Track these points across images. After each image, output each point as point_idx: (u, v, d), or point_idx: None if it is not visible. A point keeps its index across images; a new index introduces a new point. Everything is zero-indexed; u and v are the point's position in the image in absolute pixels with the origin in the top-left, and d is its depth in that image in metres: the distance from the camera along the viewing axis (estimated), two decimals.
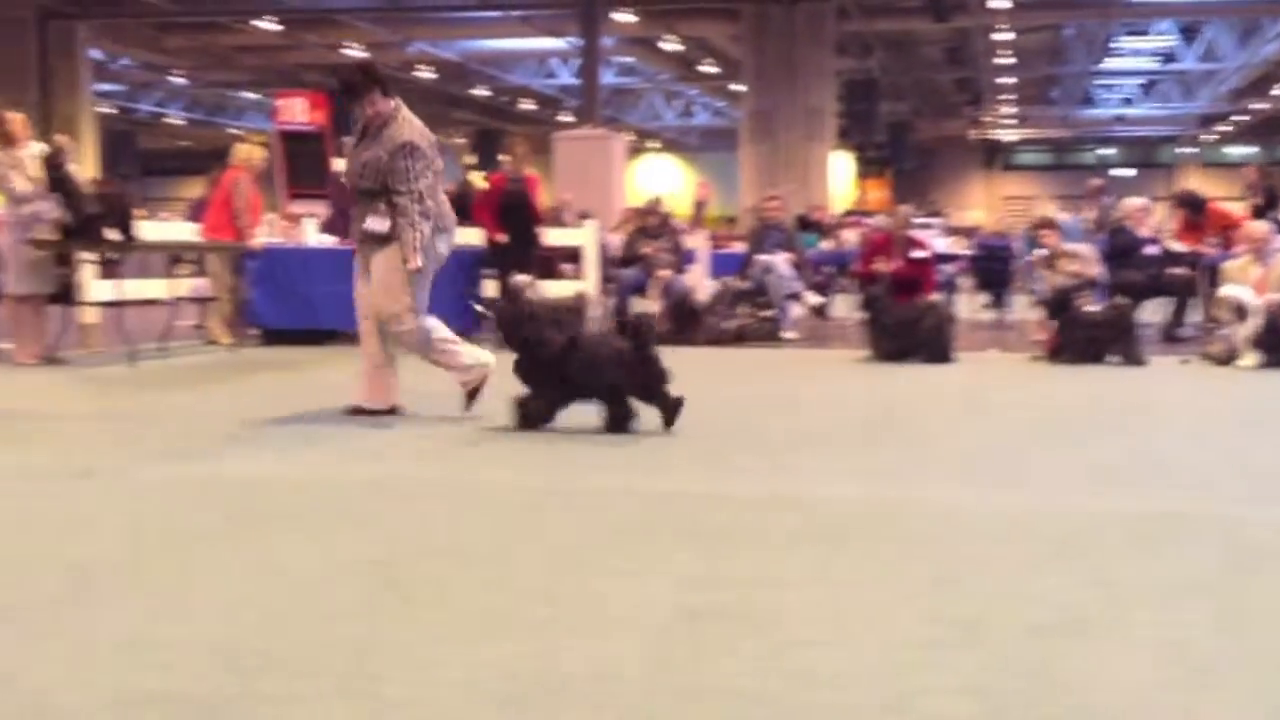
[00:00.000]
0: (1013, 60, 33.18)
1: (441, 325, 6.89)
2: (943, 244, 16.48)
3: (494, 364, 6.78)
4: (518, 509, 4.51)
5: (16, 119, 9.71)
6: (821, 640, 2.99)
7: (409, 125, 6.62)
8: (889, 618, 3.17)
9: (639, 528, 4.20)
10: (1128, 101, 42.24)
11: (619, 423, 6.21)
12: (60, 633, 3.02)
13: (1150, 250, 12.46)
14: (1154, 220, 13.89)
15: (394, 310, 6.65)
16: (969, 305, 14.90)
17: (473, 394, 6.80)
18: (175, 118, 42.91)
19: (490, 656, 2.85)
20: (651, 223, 13.16)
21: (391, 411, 6.77)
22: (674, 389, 6.26)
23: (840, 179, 29.49)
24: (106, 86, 36.16)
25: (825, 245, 17.15)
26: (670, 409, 6.22)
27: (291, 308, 11.55)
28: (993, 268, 14.40)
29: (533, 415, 6.27)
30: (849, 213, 24.98)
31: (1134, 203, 13.51)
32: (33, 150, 9.56)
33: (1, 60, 26.49)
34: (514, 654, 2.86)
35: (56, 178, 9.13)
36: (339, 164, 12.72)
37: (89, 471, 5.17)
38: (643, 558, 3.79)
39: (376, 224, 6.57)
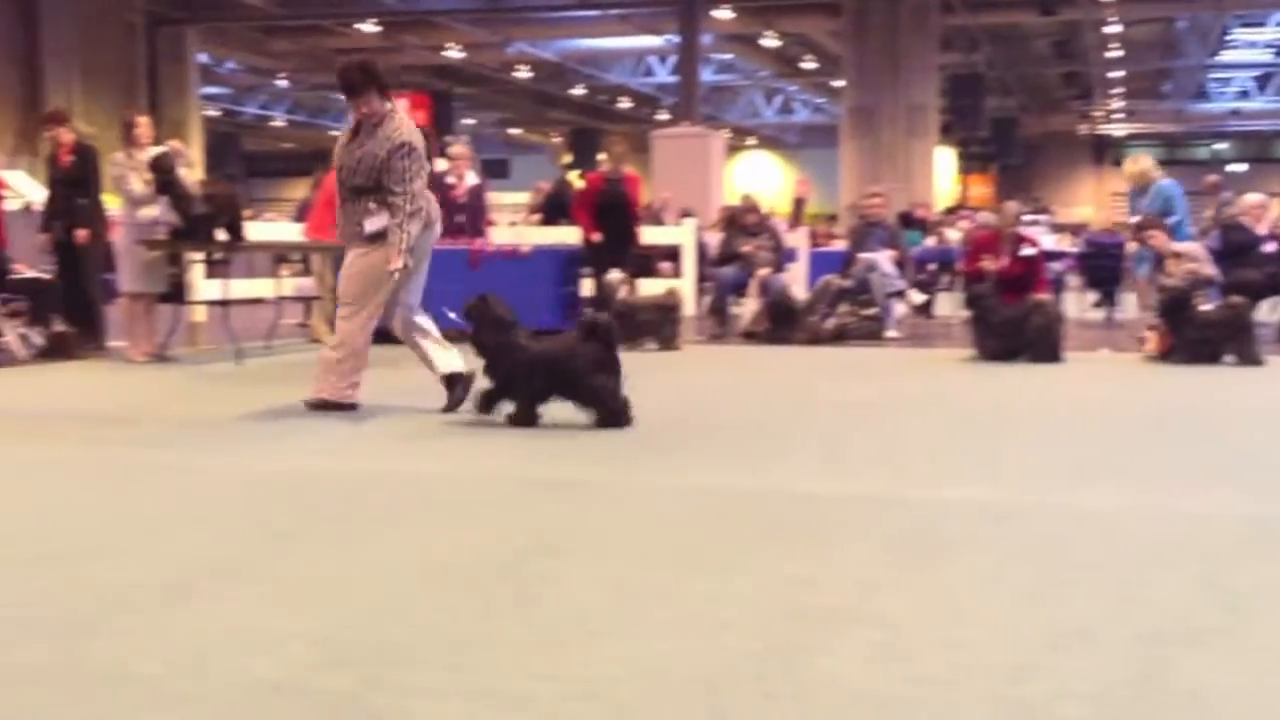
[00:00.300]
0: (1123, 53, 32.53)
1: (432, 325, 6.99)
2: (1050, 241, 16.22)
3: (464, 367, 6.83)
4: (623, 506, 4.51)
5: (143, 123, 9.98)
6: (936, 642, 2.95)
7: (405, 126, 6.74)
8: (1003, 621, 3.12)
9: (746, 527, 4.18)
10: (1243, 95, 41.15)
11: (611, 420, 6.25)
12: (173, 622, 3.08)
13: (1268, 248, 12.13)
14: (1271, 216, 13.52)
15: (355, 303, 6.77)
16: (1077, 304, 14.63)
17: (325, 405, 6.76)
18: (279, 120, 43.71)
19: (602, 656, 2.85)
20: (750, 220, 13.10)
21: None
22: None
23: (943, 175, 29.15)
24: (212, 90, 36.96)
25: (928, 242, 16.95)
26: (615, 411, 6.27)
27: (391, 306, 11.68)
28: (1102, 265, 14.13)
29: (518, 418, 6.34)
30: (956, 208, 24.68)
31: (1251, 199, 13.16)
32: (151, 154, 9.81)
33: (113, 65, 27.19)
34: (626, 654, 2.86)
35: (165, 181, 9.34)
36: (440, 164, 12.85)
37: (197, 465, 5.29)
38: (750, 557, 3.76)
39: (373, 223, 6.71)
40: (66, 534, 4.05)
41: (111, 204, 10.77)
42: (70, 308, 10.34)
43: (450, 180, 12.66)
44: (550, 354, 6.38)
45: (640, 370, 9.64)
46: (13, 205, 12.05)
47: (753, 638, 2.98)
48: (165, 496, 4.73)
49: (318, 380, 6.85)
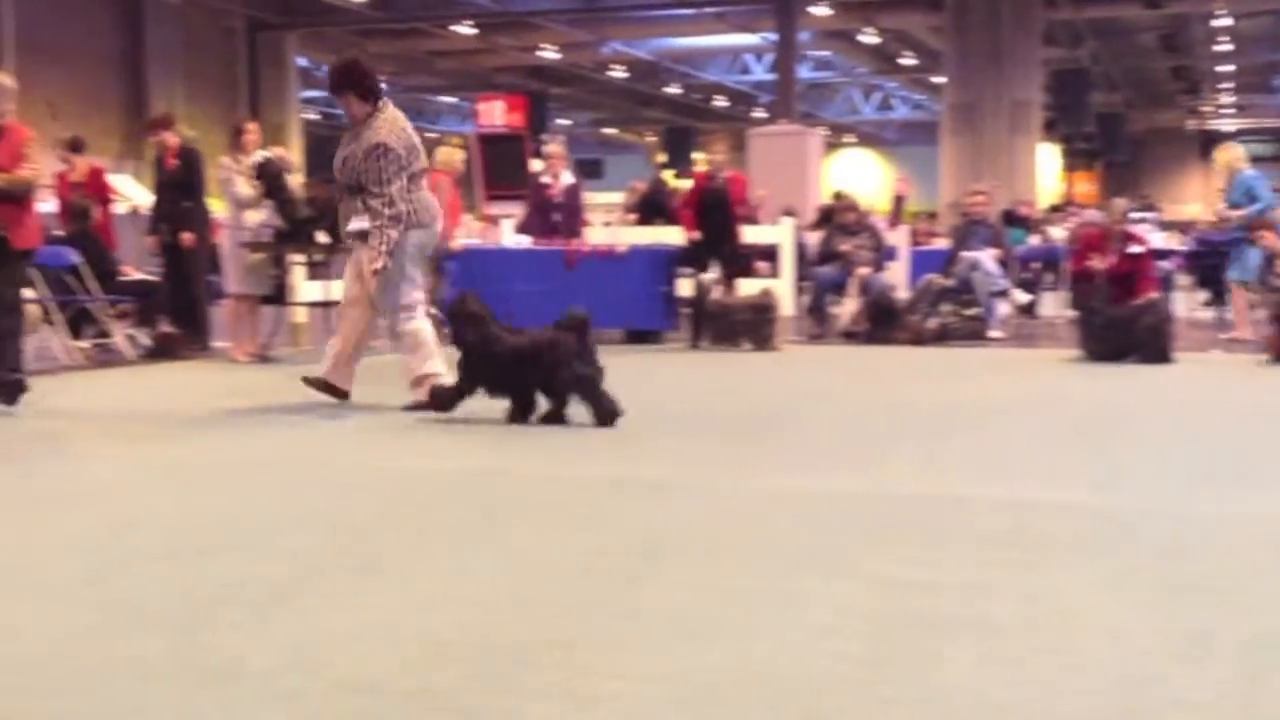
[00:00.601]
0: (1232, 47, 31.77)
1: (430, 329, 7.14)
2: (1158, 239, 15.89)
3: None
4: (721, 508, 4.50)
5: (252, 129, 10.20)
6: (1049, 649, 2.90)
7: (385, 127, 6.83)
8: (1115, 627, 3.06)
9: (848, 530, 4.15)
10: None
11: (604, 418, 6.32)
12: (282, 619, 3.13)
13: None
14: None
15: (396, 302, 6.97)
16: (1187, 303, 14.32)
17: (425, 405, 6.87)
18: None
19: (705, 658, 2.84)
20: (849, 219, 13.00)
21: (345, 396, 7.11)
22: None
23: (1046, 172, 28.69)
24: (311, 93, 37.56)
25: (1032, 241, 16.69)
26: (559, 405, 6.43)
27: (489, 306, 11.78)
28: (1212, 264, 13.80)
29: (513, 414, 6.50)
30: (1061, 206, 24.29)
31: None
32: (257, 159, 10.01)
33: (214, 71, 27.81)
34: (729, 657, 2.85)
35: (272, 185, 9.50)
36: (536, 164, 12.96)
37: (303, 463, 5.38)
38: (853, 560, 3.74)
39: (356, 223, 6.89)
40: (179, 531, 4.14)
41: (216, 207, 11.00)
42: (176, 309, 10.58)
43: (545, 180, 12.74)
44: (527, 347, 6.49)
45: (735, 370, 9.64)
46: (120, 209, 12.35)
47: (858, 641, 2.95)
48: (272, 495, 4.81)
49: (326, 363, 7.16)
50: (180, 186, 10.48)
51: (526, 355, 6.45)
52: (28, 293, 9.87)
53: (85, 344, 10.27)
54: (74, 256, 10.28)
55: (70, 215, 11.16)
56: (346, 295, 7.20)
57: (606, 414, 6.34)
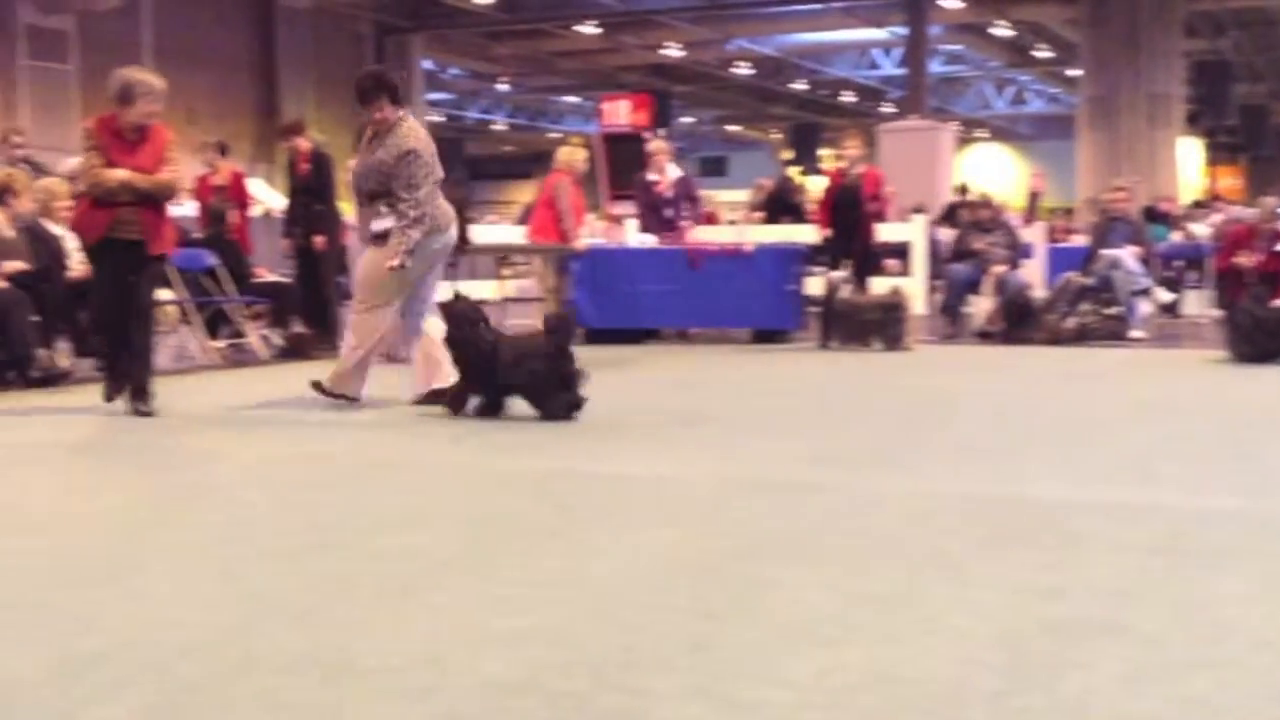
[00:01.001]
0: None
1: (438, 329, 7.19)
2: None
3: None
4: (847, 510, 4.45)
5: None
6: (1199, 661, 2.80)
7: (413, 134, 7.10)
8: (1273, 639, 2.95)
9: (983, 533, 4.07)
10: None
11: (567, 409, 6.54)
12: (406, 616, 3.17)
13: None
14: None
15: (370, 300, 7.15)
16: None
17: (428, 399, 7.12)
18: (500, 124, 44.82)
19: (837, 662, 2.81)
20: (983, 216, 12.79)
21: (356, 400, 7.25)
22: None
23: (1188, 167, 27.91)
24: (436, 96, 38.15)
25: (1174, 238, 16.27)
26: (573, 405, 6.58)
27: (612, 307, 11.86)
28: None
29: (483, 409, 6.74)
30: (1205, 202, 23.63)
31: None
32: None
33: (343, 75, 28.26)
34: (862, 661, 2.81)
35: None
36: (675, 170, 12.95)
37: (423, 461, 5.45)
38: (989, 564, 3.66)
39: (380, 224, 7.11)
40: (301, 527, 4.22)
41: (346, 210, 11.21)
42: (308, 310, 10.82)
43: (652, 176, 12.75)
44: (509, 349, 6.74)
45: (864, 371, 9.55)
46: (255, 212, 12.67)
47: (997, 649, 2.89)
48: (393, 493, 4.88)
49: (335, 370, 7.29)
50: (312, 190, 10.70)
51: (507, 356, 6.69)
52: (166, 294, 10.21)
53: (221, 344, 10.55)
54: (211, 259, 10.56)
55: (209, 218, 11.50)
56: (355, 295, 7.40)
57: (554, 412, 6.55)
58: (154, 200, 6.79)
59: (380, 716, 2.53)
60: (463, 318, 6.87)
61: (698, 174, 47.26)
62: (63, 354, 8.62)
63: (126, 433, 6.44)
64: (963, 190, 19.52)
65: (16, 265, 8.47)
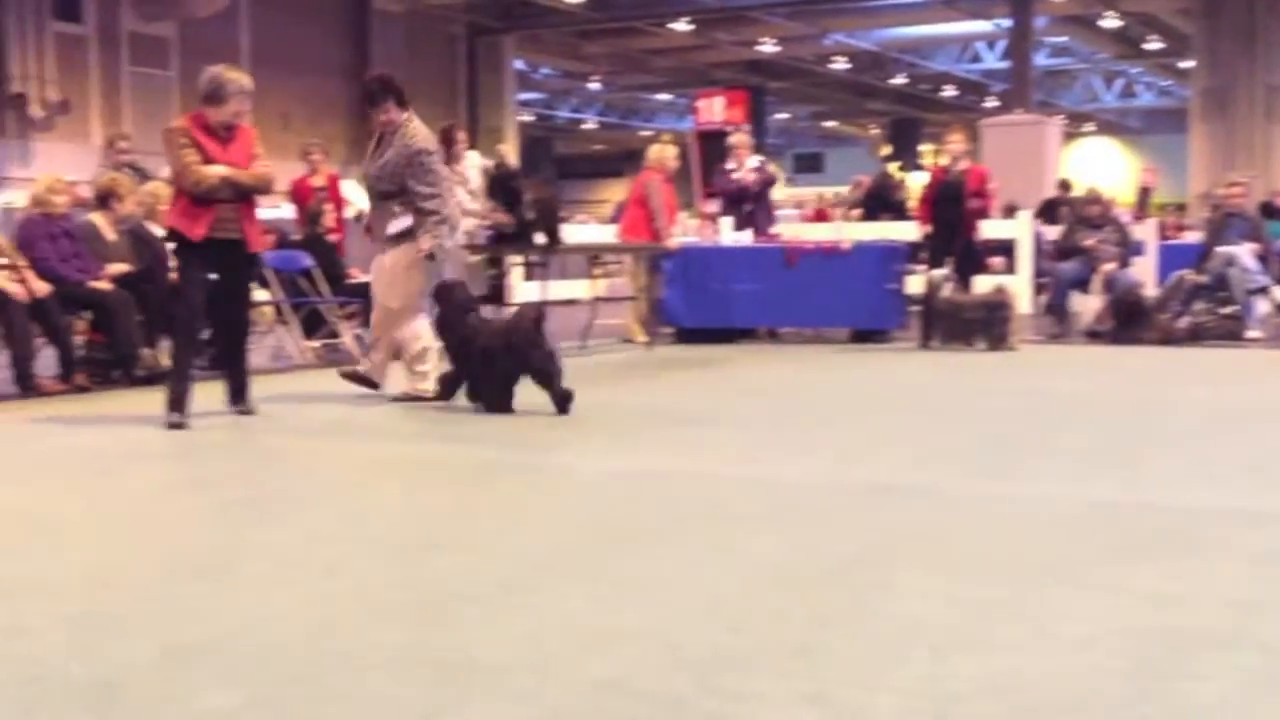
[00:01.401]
0: None
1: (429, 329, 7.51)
2: None
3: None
4: (957, 514, 4.41)
5: (462, 138, 10.48)
6: None
7: (420, 134, 7.51)
8: None
9: (1100, 540, 4.02)
10: None
11: (562, 404, 6.86)
12: (513, 616, 3.20)
13: None
14: None
15: (398, 302, 7.46)
16: None
17: (409, 398, 7.48)
18: (590, 123, 45.02)
19: (946, 670, 2.79)
20: (1093, 212, 12.58)
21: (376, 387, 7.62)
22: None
23: None
24: (527, 95, 38.41)
25: None
26: (561, 398, 6.88)
27: (705, 306, 11.85)
28: None
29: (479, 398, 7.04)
30: None
31: None
32: (473, 161, 10.26)
33: (434, 77, 28.68)
34: (972, 670, 2.79)
35: (509, 190, 9.67)
36: (754, 160, 12.92)
37: (527, 463, 5.49)
38: (1106, 571, 3.61)
39: (396, 225, 7.42)
40: (413, 527, 4.30)
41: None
42: None
43: (730, 166, 12.74)
44: (494, 337, 7.01)
45: (967, 371, 9.42)
46: (348, 214, 12.85)
47: (1116, 658, 2.85)
48: (492, 494, 4.93)
49: (405, 375, 7.61)
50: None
51: (499, 343, 6.96)
52: (263, 294, 10.40)
53: (316, 344, 10.72)
54: (307, 260, 10.74)
55: (307, 220, 11.70)
56: (381, 300, 7.62)
57: (492, 405, 6.95)
58: (249, 198, 6.89)
59: (482, 715, 2.56)
60: (457, 304, 7.19)
61: (793, 171, 47.20)
62: (165, 353, 8.82)
63: (228, 431, 6.57)
64: (1064, 186, 19.19)
65: (121, 267, 8.74)
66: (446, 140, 10.12)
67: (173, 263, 9.19)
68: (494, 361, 6.98)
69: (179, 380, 6.69)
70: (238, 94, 6.79)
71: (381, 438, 6.46)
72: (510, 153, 12.31)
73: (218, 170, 6.70)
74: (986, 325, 10.81)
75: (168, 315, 8.68)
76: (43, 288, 8.05)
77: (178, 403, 6.60)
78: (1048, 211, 16.97)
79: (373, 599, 3.37)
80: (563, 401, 6.87)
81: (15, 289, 7.90)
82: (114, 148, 10.63)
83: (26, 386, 7.85)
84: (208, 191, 6.70)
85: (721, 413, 7.28)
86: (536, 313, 7.13)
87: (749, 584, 3.50)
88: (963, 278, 11.63)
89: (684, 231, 13.16)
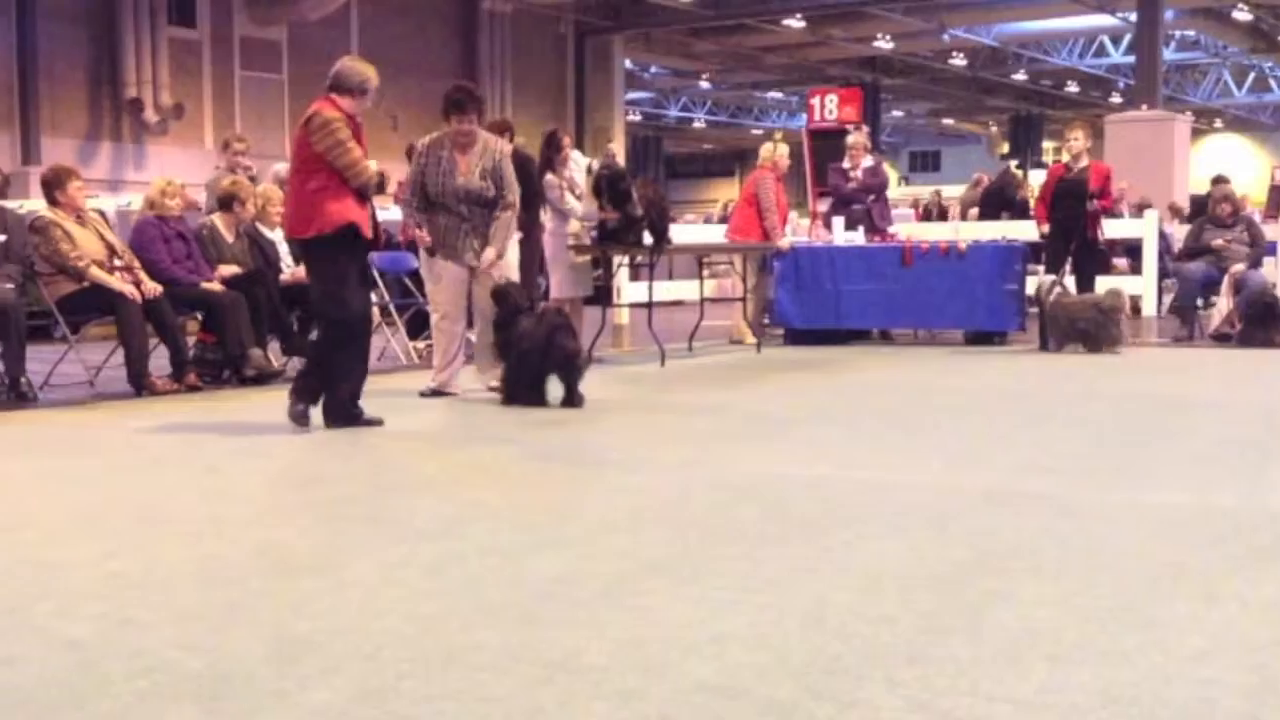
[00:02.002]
0: None
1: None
2: None
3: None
4: (1077, 522, 4.34)
5: (568, 141, 10.50)
6: None
7: (492, 138, 7.99)
8: None
9: (1227, 549, 3.94)
10: None
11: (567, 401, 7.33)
12: (615, 617, 3.22)
13: None
14: None
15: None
16: None
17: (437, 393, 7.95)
18: (699, 121, 45.04)
19: (1063, 680, 2.75)
20: (1223, 211, 12.28)
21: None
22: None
23: None
24: (635, 95, 38.53)
25: None
26: (570, 396, 7.36)
27: (815, 307, 11.78)
28: None
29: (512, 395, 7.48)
30: None
31: None
32: (579, 162, 10.29)
33: (540, 76, 28.95)
34: (1090, 680, 2.75)
35: (621, 188, 9.68)
36: (869, 160, 12.82)
37: (632, 463, 5.51)
38: (1233, 582, 3.54)
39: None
40: (516, 527, 4.32)
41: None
42: None
43: (845, 165, 12.66)
44: (529, 337, 7.41)
45: (1087, 374, 9.24)
46: None
47: (1241, 671, 2.79)
48: (594, 492, 4.96)
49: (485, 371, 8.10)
50: None
51: (539, 340, 7.38)
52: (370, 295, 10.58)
53: (421, 344, 10.86)
54: (414, 261, 10.89)
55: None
56: (478, 303, 7.99)
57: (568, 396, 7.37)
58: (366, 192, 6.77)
59: (585, 716, 2.57)
60: (512, 306, 7.58)
61: (909, 169, 46.74)
62: (274, 354, 9.05)
63: (338, 430, 6.67)
64: (1217, 182, 18.75)
65: (232, 269, 8.95)
66: (552, 144, 10.16)
67: (288, 261, 9.40)
68: (528, 358, 7.38)
69: (328, 382, 6.63)
70: (373, 91, 6.80)
71: (482, 439, 6.52)
72: (619, 152, 12.32)
73: (373, 165, 6.63)
74: (1099, 328, 10.60)
75: (277, 317, 8.86)
76: (155, 288, 8.27)
77: (314, 396, 6.65)
78: (1201, 209, 16.56)
79: (476, 598, 3.41)
80: (569, 401, 7.33)
81: (129, 290, 8.13)
82: (230, 150, 10.87)
83: (140, 386, 8.07)
84: (365, 185, 6.61)
85: (832, 415, 7.25)
86: (564, 314, 7.62)
87: (860, 589, 3.48)
88: (1083, 279, 11.42)
89: (794, 231, 13.09)
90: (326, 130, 6.49)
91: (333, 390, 6.64)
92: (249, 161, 11.11)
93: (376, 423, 6.68)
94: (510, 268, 8.03)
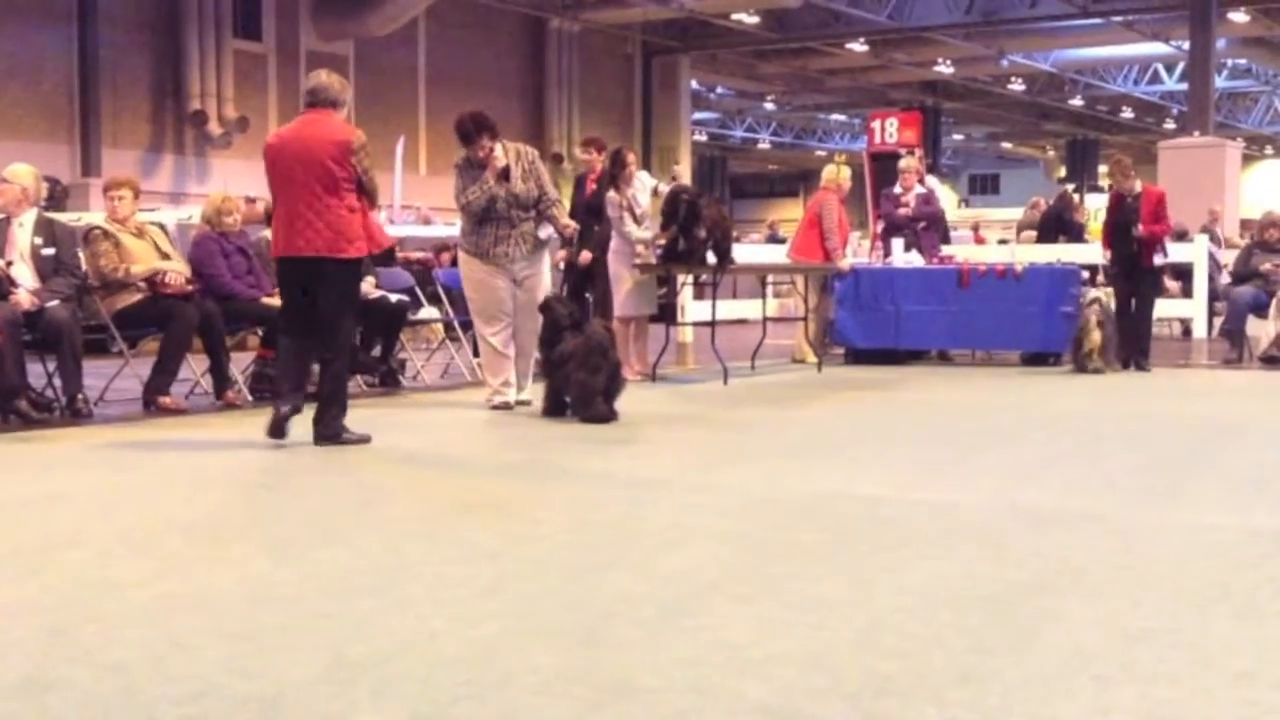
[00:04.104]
0: None
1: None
2: None
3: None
4: (1128, 542, 4.23)
5: (632, 160, 10.36)
6: None
7: (514, 149, 8.03)
8: None
9: (1266, 570, 3.83)
10: None
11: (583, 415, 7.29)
12: (670, 638, 3.15)
13: None
14: None
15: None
16: None
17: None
18: (764, 142, 44.90)
19: (1110, 701, 2.68)
20: (1272, 236, 12.01)
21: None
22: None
23: None
24: (701, 115, 38.47)
25: None
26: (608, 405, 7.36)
27: (876, 327, 11.66)
28: None
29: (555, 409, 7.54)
30: None
31: None
32: (645, 182, 10.16)
33: (607, 96, 28.95)
34: (1136, 701, 2.68)
35: (689, 214, 9.54)
36: (921, 189, 12.62)
37: (694, 483, 5.42)
38: (1273, 603, 3.45)
39: (545, 230, 8.06)
40: (574, 547, 4.27)
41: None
42: (576, 328, 10.89)
43: (897, 191, 12.49)
44: (564, 352, 7.43)
45: (1136, 396, 9.06)
46: None
47: (1278, 692, 2.74)
48: (667, 514, 4.86)
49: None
50: (594, 210, 10.71)
51: (563, 359, 7.42)
52: (434, 312, 10.51)
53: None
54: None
55: None
56: (510, 308, 7.96)
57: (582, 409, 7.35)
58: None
59: None
60: (555, 321, 7.64)
61: (969, 192, 46.37)
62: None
63: (398, 446, 6.63)
64: (1269, 215, 18.39)
65: None
66: (617, 162, 10.05)
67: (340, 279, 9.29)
68: (568, 374, 7.39)
69: (340, 401, 6.55)
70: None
71: (538, 456, 6.39)
72: (685, 173, 12.18)
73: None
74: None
75: (366, 331, 8.74)
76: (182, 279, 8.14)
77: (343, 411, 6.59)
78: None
79: (533, 619, 3.34)
80: (606, 415, 7.30)
81: (173, 275, 8.01)
82: None
83: (150, 402, 7.83)
84: (377, 207, 6.78)
85: (889, 435, 7.15)
86: (607, 333, 7.61)
87: (912, 610, 3.41)
88: (1142, 303, 11.17)
89: (855, 252, 12.93)
90: (366, 152, 6.49)
91: (344, 407, 6.56)
92: None
93: (365, 440, 6.54)
94: (545, 283, 8.13)
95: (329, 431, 6.46)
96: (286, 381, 6.55)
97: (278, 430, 6.38)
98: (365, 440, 6.49)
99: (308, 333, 6.54)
